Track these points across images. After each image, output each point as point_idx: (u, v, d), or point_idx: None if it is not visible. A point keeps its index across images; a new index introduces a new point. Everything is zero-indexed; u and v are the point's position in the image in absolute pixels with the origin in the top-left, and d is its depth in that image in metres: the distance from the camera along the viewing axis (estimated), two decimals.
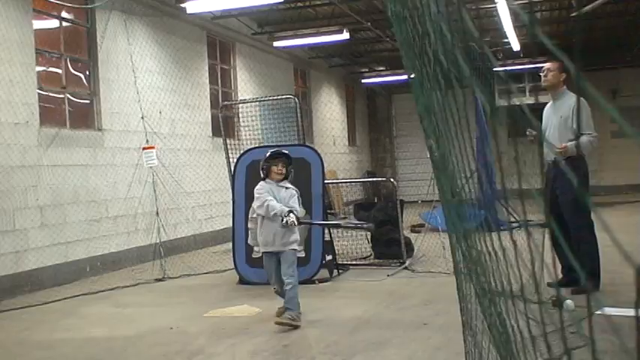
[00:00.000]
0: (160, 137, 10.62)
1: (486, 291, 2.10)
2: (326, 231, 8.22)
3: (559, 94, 6.51)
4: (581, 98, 6.42)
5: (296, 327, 5.67)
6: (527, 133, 6.30)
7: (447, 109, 1.96)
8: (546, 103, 6.83)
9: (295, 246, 5.97)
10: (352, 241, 9.79)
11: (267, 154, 6.12)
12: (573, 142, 6.22)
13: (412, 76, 2.44)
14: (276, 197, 5.93)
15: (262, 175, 6.10)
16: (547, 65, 6.54)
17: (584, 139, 6.25)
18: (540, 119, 6.67)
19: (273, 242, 5.90)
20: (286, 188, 6.01)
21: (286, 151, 6.20)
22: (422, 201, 12.72)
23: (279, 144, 8.77)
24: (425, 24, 1.90)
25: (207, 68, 12.83)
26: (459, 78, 1.61)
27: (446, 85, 1.88)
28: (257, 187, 6.06)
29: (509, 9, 11.39)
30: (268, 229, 5.91)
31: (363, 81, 21.61)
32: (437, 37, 1.74)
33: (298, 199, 6.06)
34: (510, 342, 1.91)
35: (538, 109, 6.81)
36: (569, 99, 6.41)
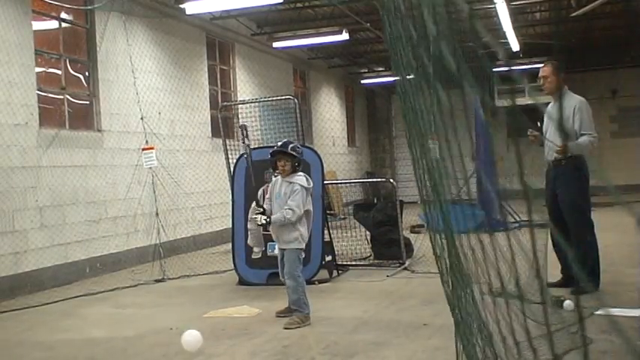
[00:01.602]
0: (160, 138, 10.62)
1: (464, 292, 2.10)
2: (326, 232, 8.22)
3: (560, 95, 6.50)
4: (583, 99, 6.43)
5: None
6: (529, 132, 6.30)
7: (441, 108, 1.95)
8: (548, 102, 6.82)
9: (296, 244, 5.94)
10: (352, 242, 9.79)
11: (272, 150, 6.17)
12: (574, 142, 6.21)
13: (409, 77, 2.44)
14: (278, 193, 5.98)
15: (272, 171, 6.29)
16: (542, 72, 6.49)
17: (584, 139, 6.24)
18: (542, 120, 6.66)
19: (277, 240, 6.08)
20: (289, 183, 5.98)
21: (293, 147, 6.11)
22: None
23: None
24: (419, 22, 1.90)
25: (206, 69, 12.83)
26: (453, 77, 1.61)
27: (441, 85, 1.88)
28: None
29: (509, 9, 11.39)
30: (273, 228, 6.05)
31: (363, 81, 21.60)
32: (431, 36, 1.74)
33: (306, 193, 5.98)
34: (493, 343, 1.91)
35: (539, 109, 6.80)
36: (570, 99, 6.40)
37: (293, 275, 5.91)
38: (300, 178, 6.01)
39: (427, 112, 2.18)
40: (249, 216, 6.83)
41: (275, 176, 6.22)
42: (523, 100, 6.75)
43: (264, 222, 5.91)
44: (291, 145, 6.11)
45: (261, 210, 5.96)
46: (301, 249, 6.05)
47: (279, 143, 6.17)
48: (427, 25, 1.69)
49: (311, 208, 6.11)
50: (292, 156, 6.03)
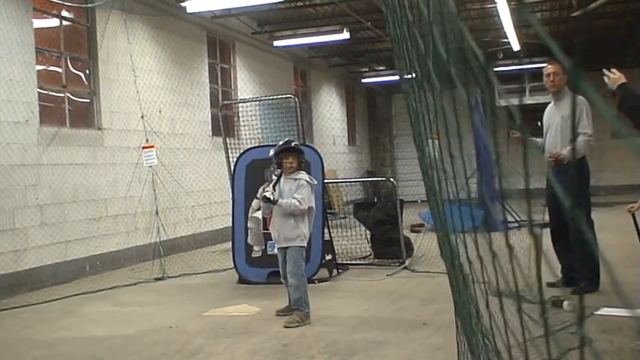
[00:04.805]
0: (160, 136, 10.62)
1: (464, 291, 2.09)
2: (326, 231, 8.22)
3: (561, 95, 6.49)
4: (584, 98, 6.41)
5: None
6: (511, 133, 6.25)
7: (439, 107, 1.95)
8: (545, 102, 6.81)
9: (299, 242, 5.92)
10: (352, 241, 9.80)
11: (278, 148, 6.07)
12: (568, 148, 6.19)
13: (407, 76, 2.43)
14: (282, 190, 5.94)
15: (275, 167, 6.17)
16: (551, 69, 6.45)
17: (579, 139, 6.22)
18: (542, 119, 6.65)
19: (278, 238, 5.98)
20: (295, 179, 5.96)
21: (296, 145, 6.13)
22: (421, 200, 12.72)
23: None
24: (417, 21, 1.90)
25: (207, 67, 12.83)
26: (452, 77, 1.61)
27: (440, 84, 1.88)
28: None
29: (510, 9, 11.38)
30: (273, 225, 6.01)
31: (363, 80, 21.59)
32: (430, 35, 1.74)
33: (311, 189, 5.97)
34: (489, 343, 1.91)
35: (539, 109, 6.81)
36: (571, 98, 6.38)
37: (297, 274, 5.90)
38: (304, 175, 6.03)
39: (428, 111, 2.18)
40: (249, 214, 6.82)
41: (275, 175, 6.21)
42: (524, 100, 6.71)
43: (271, 197, 5.77)
44: (294, 143, 6.16)
45: (273, 189, 5.89)
46: (304, 247, 6.04)
47: (281, 142, 6.16)
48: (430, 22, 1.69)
49: (314, 206, 6.10)
50: (300, 153, 6.04)
